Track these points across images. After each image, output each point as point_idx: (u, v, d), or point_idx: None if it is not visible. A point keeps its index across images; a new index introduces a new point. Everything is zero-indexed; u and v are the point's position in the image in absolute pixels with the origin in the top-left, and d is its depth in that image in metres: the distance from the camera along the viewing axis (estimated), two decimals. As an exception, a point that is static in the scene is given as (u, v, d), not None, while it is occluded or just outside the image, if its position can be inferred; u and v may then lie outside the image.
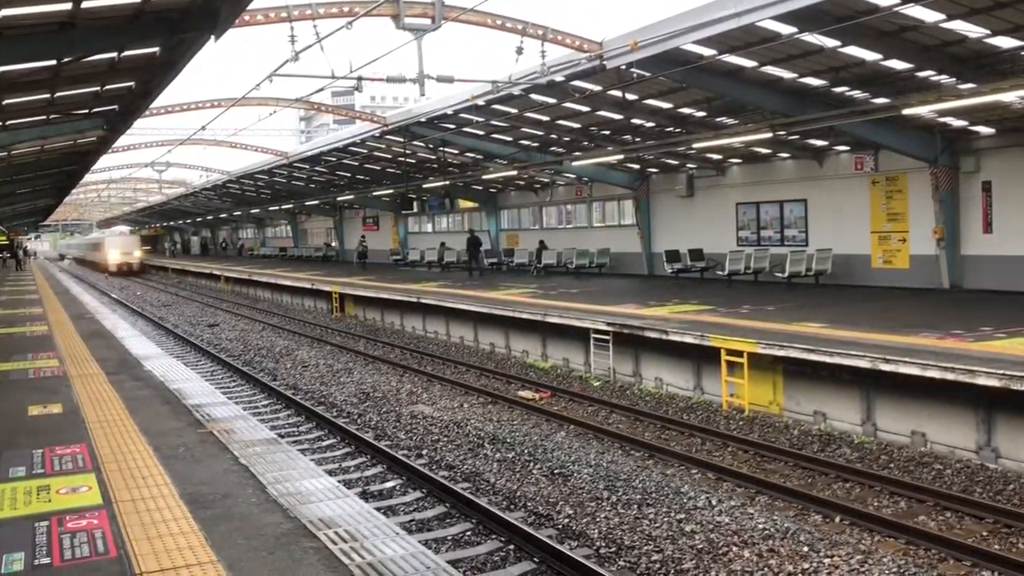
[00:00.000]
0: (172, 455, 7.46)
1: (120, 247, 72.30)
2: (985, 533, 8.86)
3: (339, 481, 8.04)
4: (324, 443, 12.87)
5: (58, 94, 14.13)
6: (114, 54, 11.62)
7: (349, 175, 41.70)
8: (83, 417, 8.99)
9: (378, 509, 8.07)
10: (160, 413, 9.30)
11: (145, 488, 6.50)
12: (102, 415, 9.10)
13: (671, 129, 23.35)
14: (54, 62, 11.30)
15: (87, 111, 16.74)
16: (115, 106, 16.48)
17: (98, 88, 14.19)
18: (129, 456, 7.41)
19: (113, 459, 7.30)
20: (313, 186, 47.08)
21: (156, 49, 11.66)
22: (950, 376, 10.77)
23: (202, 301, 40.50)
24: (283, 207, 56.11)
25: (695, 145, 20.96)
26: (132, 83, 14.16)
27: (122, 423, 8.73)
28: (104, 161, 33.37)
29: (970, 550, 8.28)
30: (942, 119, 18.65)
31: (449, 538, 8.76)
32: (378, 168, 38.15)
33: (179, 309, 36.14)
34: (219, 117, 27.13)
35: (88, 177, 39.51)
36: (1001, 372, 10.24)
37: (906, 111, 15.69)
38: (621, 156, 24.28)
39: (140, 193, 64.17)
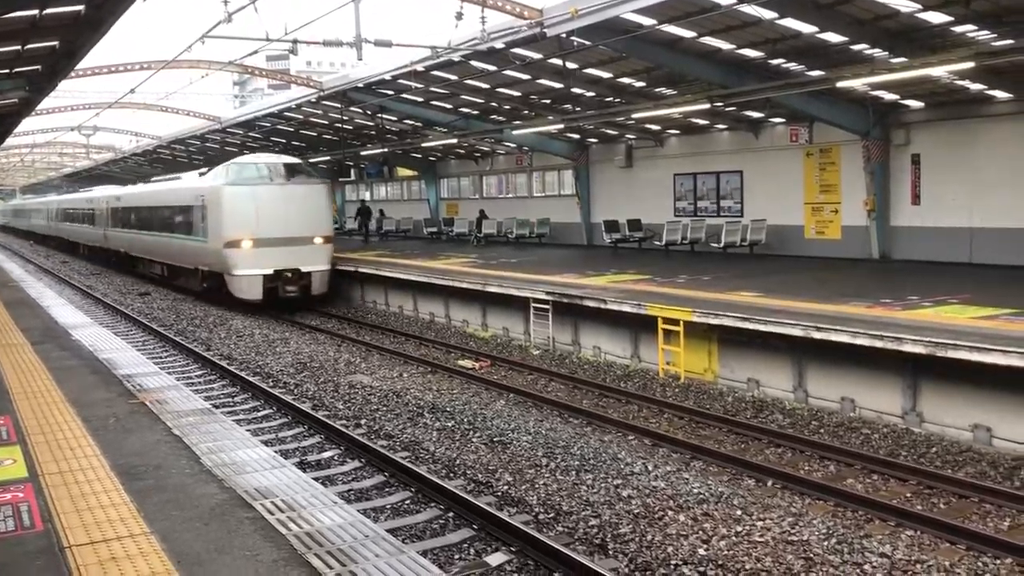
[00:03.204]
0: (102, 426, 7.29)
1: (279, 234, 22.72)
2: (909, 494, 9.17)
3: (276, 451, 7.96)
4: (260, 413, 12.70)
5: (-25, 52, 13.52)
6: (35, 11, 11.12)
7: (284, 141, 40.92)
8: (7, 388, 8.72)
9: (316, 479, 8.02)
10: (89, 383, 9.08)
11: (74, 460, 6.34)
12: (27, 386, 8.84)
13: (610, 99, 23.38)
14: (-30, 18, 10.78)
15: (8, 71, 16.03)
16: (38, 66, 15.80)
17: (19, 47, 13.58)
18: (56, 428, 7.22)
19: (40, 431, 7.10)
20: (247, 152, 46.07)
21: (81, 7, 11.18)
22: (879, 344, 11.08)
23: (133, 271, 39.44)
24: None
25: (634, 115, 21.05)
26: (56, 42, 13.58)
27: (49, 394, 8.50)
28: (27, 124, 32.15)
29: (895, 511, 8.57)
30: (874, 92, 19.02)
31: (388, 507, 8.74)
32: (314, 134, 37.52)
33: (108, 278, 35.18)
34: (149, 80, 26.39)
35: (10, 141, 38.04)
36: (927, 339, 10.57)
37: (840, 84, 15.95)
38: (561, 125, 24.25)
39: (67, 158, 61.96)
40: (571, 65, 20.13)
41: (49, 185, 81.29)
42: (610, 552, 7.53)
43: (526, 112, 27.04)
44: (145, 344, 18.53)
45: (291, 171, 23.34)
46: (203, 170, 27.69)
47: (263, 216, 22.18)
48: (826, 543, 7.54)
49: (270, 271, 22.27)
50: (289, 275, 22.54)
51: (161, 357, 17.01)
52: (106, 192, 40.60)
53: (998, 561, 7.40)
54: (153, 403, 8.17)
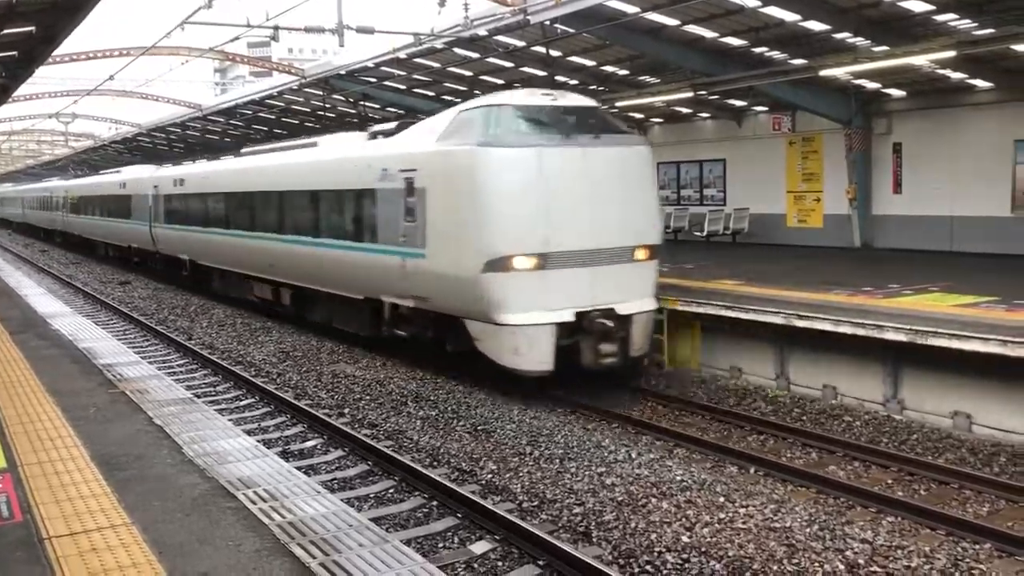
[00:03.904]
0: (82, 416, 7.22)
1: (585, 243, 11.92)
2: (890, 481, 9.23)
3: (258, 441, 7.91)
4: (243, 403, 12.64)
5: (-50, 38, 13.33)
6: (12, -5, 10.96)
7: (266, 129, 40.67)
8: (-15, 378, 8.62)
9: (299, 468, 7.99)
10: (69, 373, 8.99)
11: (53, 451, 6.28)
12: (5, 375, 8.75)
13: (594, 87, 23.34)
14: (-56, 2, 10.62)
15: (-16, 57, 15.85)
16: (14, 52, 15.60)
17: (-5, 32, 13.42)
18: (36, 418, 7.14)
19: (18, 421, 7.03)
20: (228, 140, 45.79)
21: (58, -9, 11.05)
22: (861, 332, 11.13)
23: (113, 259, 39.19)
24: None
25: (617, 104, 21.03)
26: (33, 27, 13.41)
27: (28, 384, 8.41)
28: (4, 111, 31.82)
29: (876, 497, 8.62)
30: (856, 81, 19.09)
31: (372, 496, 8.72)
32: (296, 122, 37.30)
33: (88, 267, 34.91)
34: (128, 66, 25.56)
35: (-13, 128, 37.65)
36: (908, 327, 10.64)
37: (823, 72, 15.99)
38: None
39: (45, 146, 61.32)
40: (555, 53, 20.08)
41: (51, 168, 70.88)
42: (594, 539, 7.54)
43: (509, 100, 26.95)
44: (126, 333, 18.40)
45: (588, 121, 12.53)
46: (386, 126, 16.15)
47: (557, 208, 11.68)
48: (808, 529, 7.58)
49: (569, 316, 11.74)
50: (603, 323, 11.85)
51: (142, 346, 16.89)
52: (152, 173, 28.73)
53: (977, 546, 7.46)
54: (134, 392, 8.10)
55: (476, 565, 7.08)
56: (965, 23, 15.45)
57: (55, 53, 17.06)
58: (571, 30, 17.46)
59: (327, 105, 30.32)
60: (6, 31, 13.41)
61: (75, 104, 36.28)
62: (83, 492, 5.44)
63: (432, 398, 12.37)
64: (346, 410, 12.04)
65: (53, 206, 46.59)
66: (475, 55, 20.93)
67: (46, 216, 49.24)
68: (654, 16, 16.60)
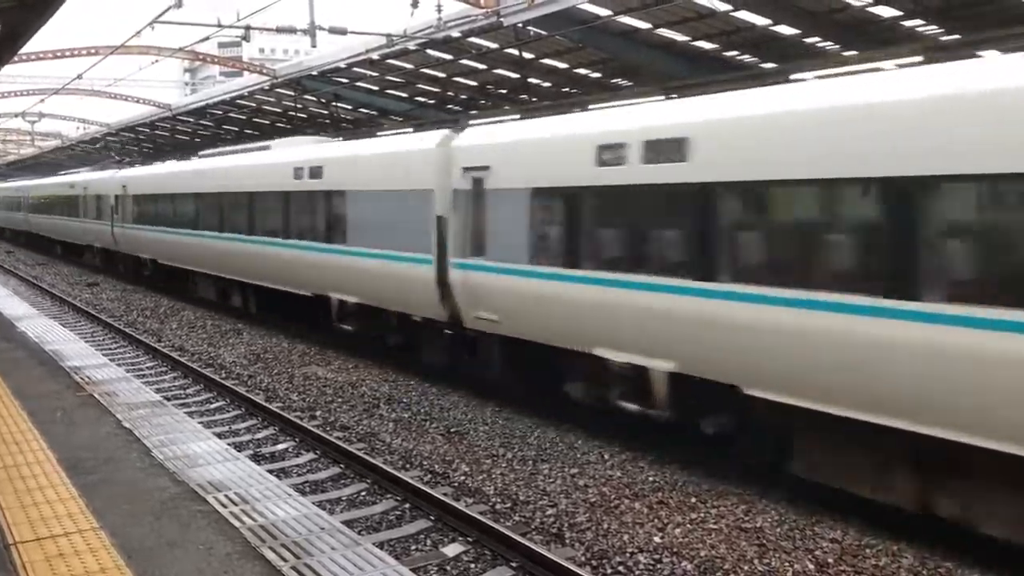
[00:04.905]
0: (49, 419, 7.13)
1: None
2: (859, 481, 9.31)
3: (229, 444, 7.85)
4: (213, 405, 12.52)
5: (-86, 35, 13.09)
6: (-23, -7, 10.79)
7: (236, 129, 40.40)
8: (-51, 381, 8.49)
9: (270, 471, 7.95)
10: (35, 376, 8.88)
11: (19, 455, 6.19)
12: (-30, 379, 8.61)
13: (567, 89, 23.42)
14: (-92, -1, 10.43)
15: (-53, 55, 15.58)
16: (-21, 50, 15.38)
17: (-41, 30, 13.19)
18: (1, 421, 7.04)
19: (-17, 425, 6.92)
20: (198, 140, 45.40)
21: (24, -11, 10.89)
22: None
23: (80, 261, 38.70)
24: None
25: (591, 106, 21.08)
26: (-2, 25, 13.22)
27: (-7, 387, 8.29)
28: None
29: (844, 495, 8.68)
30: (826, 85, 19.29)
31: (344, 499, 8.68)
32: (267, 123, 37.07)
33: (55, 268, 34.43)
34: (97, 65, 24.69)
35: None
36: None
37: (793, 76, 16.09)
38: (518, 116, 24.20)
39: (11, 145, 60.44)
40: (528, 55, 20.12)
41: (93, 159, 54.00)
42: (567, 541, 7.56)
43: (483, 102, 26.98)
44: (94, 335, 18.17)
45: None
46: None
47: None
48: (779, 530, 7.65)
49: None
50: None
51: (111, 349, 16.69)
52: (438, 143, 13.42)
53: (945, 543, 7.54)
54: (102, 395, 8.01)
55: (449, 567, 7.07)
56: (932, 28, 15.68)
57: (21, 51, 16.81)
58: (544, 32, 17.51)
59: (298, 106, 30.18)
60: (-29, 29, 13.20)
61: (42, 103, 35.81)
62: (50, 496, 5.37)
63: (405, 400, 12.33)
64: (318, 413, 11.97)
65: (91, 210, 31.06)
66: (448, 57, 20.92)
67: (72, 226, 33.97)
68: (627, 19, 16.71)
